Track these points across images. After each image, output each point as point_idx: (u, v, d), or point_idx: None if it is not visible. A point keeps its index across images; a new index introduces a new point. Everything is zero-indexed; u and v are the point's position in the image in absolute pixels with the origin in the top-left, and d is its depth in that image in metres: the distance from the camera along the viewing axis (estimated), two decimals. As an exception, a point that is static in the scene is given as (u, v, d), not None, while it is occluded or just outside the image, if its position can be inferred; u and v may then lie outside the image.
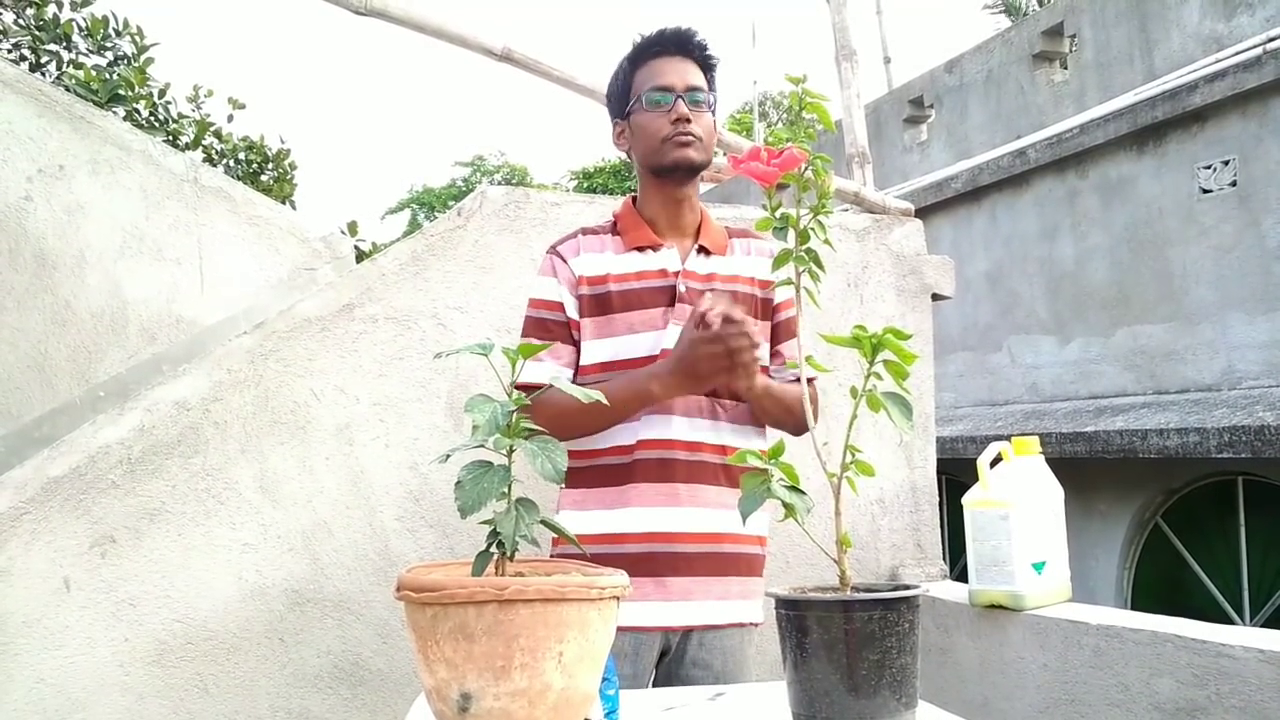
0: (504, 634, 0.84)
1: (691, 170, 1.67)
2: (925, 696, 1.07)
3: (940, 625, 2.25)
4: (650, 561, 1.56)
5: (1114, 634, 1.82)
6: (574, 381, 1.63)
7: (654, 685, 1.63)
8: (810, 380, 1.72)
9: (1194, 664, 1.66)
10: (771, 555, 2.30)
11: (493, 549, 0.93)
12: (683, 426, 1.61)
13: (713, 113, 1.72)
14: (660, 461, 1.60)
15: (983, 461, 2.04)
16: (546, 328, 1.67)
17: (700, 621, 1.61)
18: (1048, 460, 2.10)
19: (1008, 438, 2.10)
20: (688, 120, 1.64)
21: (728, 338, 1.46)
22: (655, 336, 1.62)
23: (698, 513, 1.60)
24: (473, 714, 0.85)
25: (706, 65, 1.71)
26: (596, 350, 1.66)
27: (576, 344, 1.67)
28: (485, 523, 0.92)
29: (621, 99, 1.74)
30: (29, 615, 1.78)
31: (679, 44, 1.69)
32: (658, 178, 1.70)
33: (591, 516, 1.62)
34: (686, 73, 1.68)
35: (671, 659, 1.63)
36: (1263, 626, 5.30)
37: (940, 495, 2.68)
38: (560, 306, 1.67)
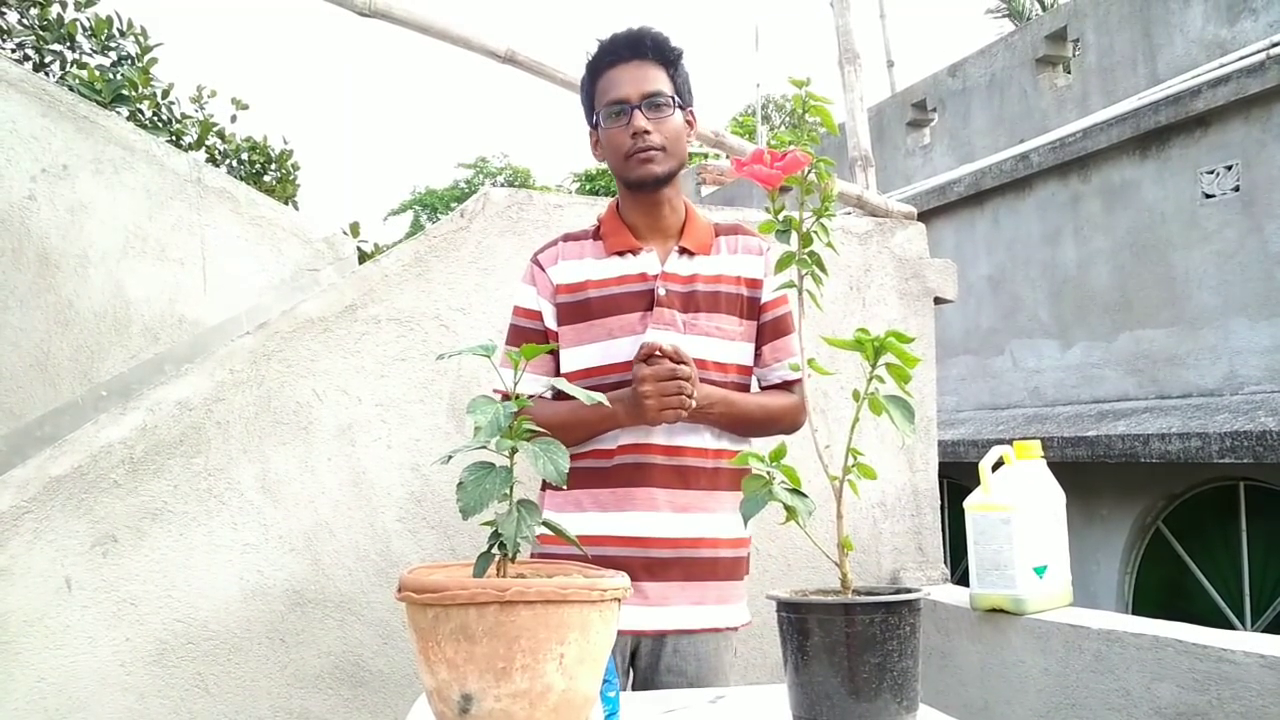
0: (505, 635, 0.84)
1: (658, 182, 1.65)
2: (926, 700, 1.07)
3: (941, 629, 2.25)
4: (625, 565, 1.55)
5: (1115, 639, 1.82)
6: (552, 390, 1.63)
7: (631, 689, 1.63)
8: (798, 381, 1.71)
9: (1195, 669, 1.66)
10: (772, 558, 2.31)
11: (494, 550, 0.93)
12: (663, 431, 1.60)
13: (682, 107, 1.68)
14: (639, 466, 1.60)
15: (984, 465, 2.04)
16: (525, 336, 1.68)
17: (674, 627, 1.60)
18: (1049, 464, 2.10)
19: (1009, 441, 2.10)
20: (647, 133, 1.62)
21: (642, 381, 1.51)
22: (634, 341, 1.61)
23: (676, 517, 1.60)
24: (474, 715, 0.85)
25: (666, 61, 1.67)
26: (578, 357, 1.65)
27: (554, 354, 1.68)
28: (487, 524, 0.93)
29: (589, 111, 1.73)
30: (30, 614, 1.78)
31: (631, 48, 1.66)
32: (630, 189, 1.69)
33: (569, 519, 1.61)
34: (642, 79, 1.64)
35: (647, 665, 1.63)
36: (1264, 632, 5.29)
37: (942, 499, 2.68)
38: (539, 315, 1.69)
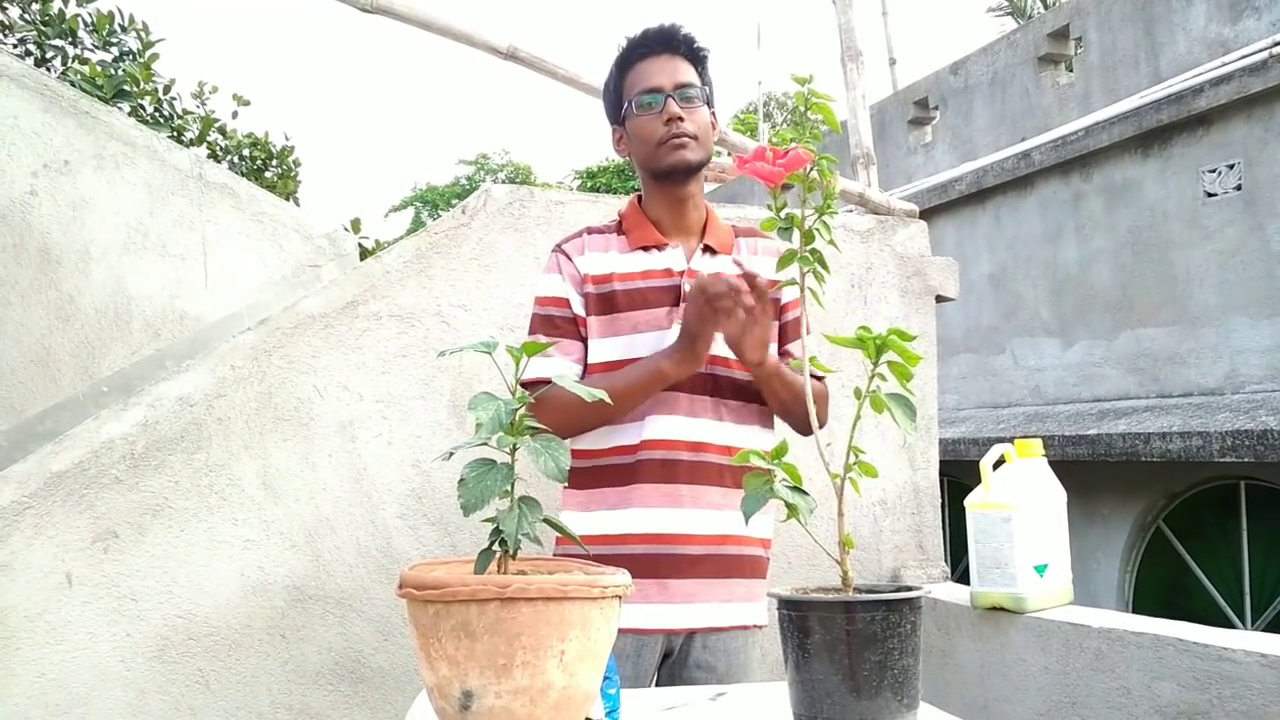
0: (506, 632, 0.84)
1: (690, 170, 1.66)
2: (926, 698, 1.07)
3: (942, 627, 2.25)
4: (652, 563, 1.56)
5: (1115, 637, 1.82)
6: (582, 379, 1.62)
7: (657, 686, 1.63)
8: (820, 379, 1.71)
9: (1195, 668, 1.66)
10: (773, 556, 2.30)
11: (495, 547, 0.93)
12: (687, 427, 1.60)
13: (709, 104, 1.70)
14: (664, 462, 1.59)
15: (985, 463, 2.04)
16: (554, 324, 1.66)
17: (703, 624, 1.60)
18: (1050, 463, 2.09)
19: (1010, 440, 2.10)
20: (680, 120, 1.63)
21: (732, 291, 1.47)
22: (659, 336, 1.61)
23: (701, 514, 1.59)
24: (474, 712, 0.85)
25: (696, 58, 1.69)
26: (602, 349, 1.65)
27: (584, 340, 1.66)
28: (488, 521, 0.92)
29: (615, 105, 1.73)
30: (31, 610, 1.78)
31: (664, 41, 1.68)
32: (658, 180, 1.69)
33: (594, 517, 1.61)
34: (675, 70, 1.66)
35: (675, 661, 1.63)
36: (1264, 631, 5.29)
37: (942, 497, 2.68)
38: (566, 303, 1.67)
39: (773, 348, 1.68)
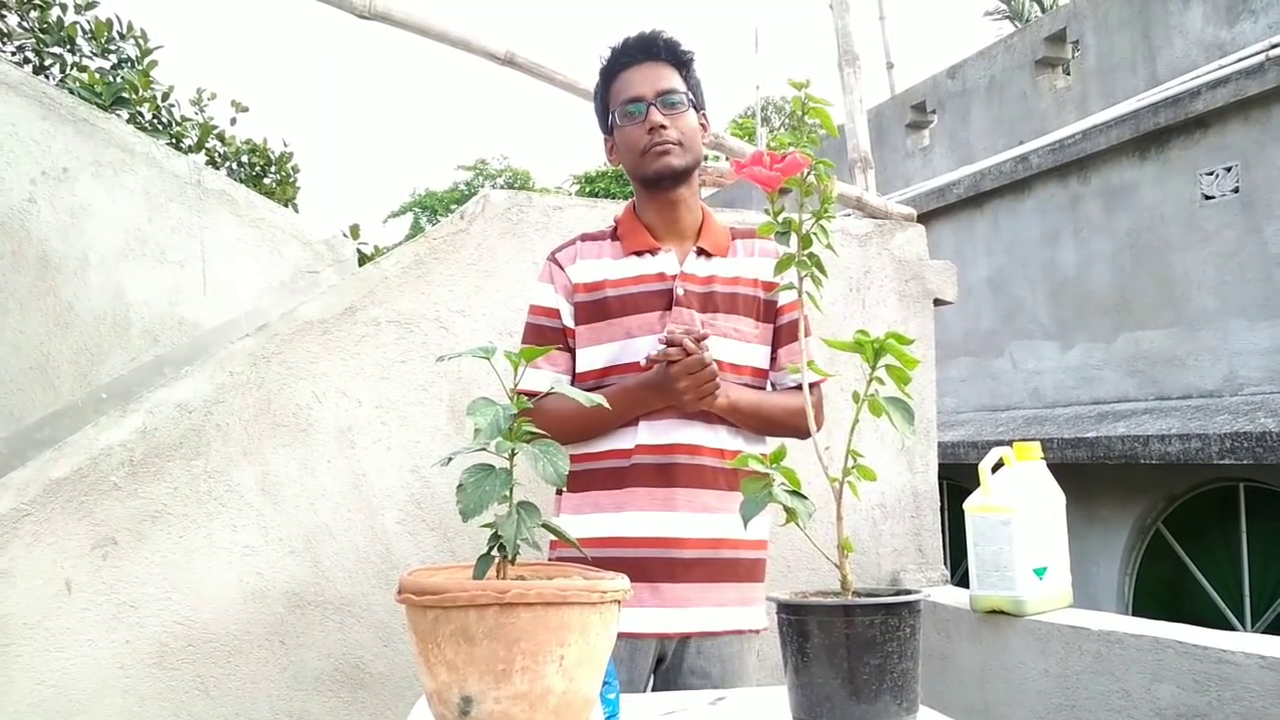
0: (505, 637, 0.84)
1: (675, 176, 1.66)
2: (926, 702, 1.07)
3: (941, 630, 2.25)
4: (646, 567, 1.55)
5: (1115, 640, 1.82)
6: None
7: (652, 692, 1.63)
8: (814, 385, 1.71)
9: (1195, 670, 1.66)
10: (772, 559, 2.30)
11: (494, 552, 0.93)
12: (682, 430, 1.60)
13: (696, 107, 1.71)
14: (658, 466, 1.60)
15: (984, 467, 2.04)
16: (544, 335, 1.68)
17: (696, 629, 1.59)
18: (1049, 466, 2.10)
19: (1009, 443, 2.10)
20: (663, 127, 1.63)
21: (676, 376, 1.51)
22: (652, 341, 1.61)
23: (695, 518, 1.59)
24: (474, 717, 0.85)
25: (679, 62, 1.70)
26: (594, 356, 1.65)
27: (572, 351, 1.67)
28: (487, 526, 0.93)
29: (603, 115, 1.75)
30: (30, 617, 1.78)
31: (645, 49, 1.69)
32: (647, 186, 1.70)
33: (588, 520, 1.61)
34: (657, 78, 1.67)
35: (669, 666, 1.62)
36: (1264, 633, 5.28)
37: (941, 500, 2.68)
38: (556, 313, 1.68)
39: (756, 353, 1.68)
